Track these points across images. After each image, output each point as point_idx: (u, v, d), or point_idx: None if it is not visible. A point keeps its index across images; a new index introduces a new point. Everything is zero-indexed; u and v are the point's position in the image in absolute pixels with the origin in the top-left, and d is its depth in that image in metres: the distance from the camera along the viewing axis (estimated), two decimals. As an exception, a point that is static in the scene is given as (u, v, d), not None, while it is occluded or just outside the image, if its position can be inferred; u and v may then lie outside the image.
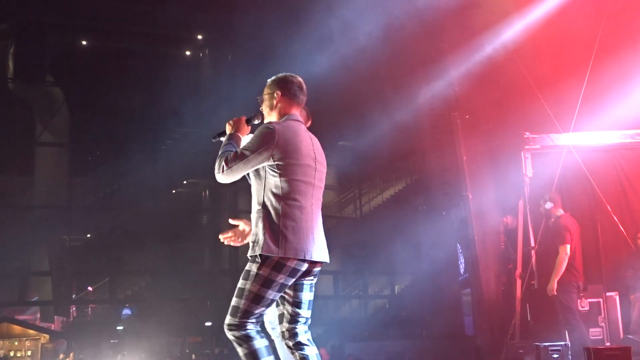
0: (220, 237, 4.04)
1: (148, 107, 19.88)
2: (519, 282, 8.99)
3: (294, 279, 3.60)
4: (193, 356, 16.18)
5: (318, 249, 3.65)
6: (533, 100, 8.78)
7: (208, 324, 20.54)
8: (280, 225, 3.54)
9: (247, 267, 3.57)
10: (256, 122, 3.87)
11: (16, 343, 19.46)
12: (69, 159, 20.20)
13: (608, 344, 7.88)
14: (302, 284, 3.67)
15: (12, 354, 18.65)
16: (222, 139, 3.86)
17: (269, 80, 3.89)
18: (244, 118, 3.87)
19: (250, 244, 3.62)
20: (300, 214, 3.60)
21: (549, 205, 7.87)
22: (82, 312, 21.65)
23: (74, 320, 20.24)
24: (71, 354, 17.11)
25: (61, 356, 17.20)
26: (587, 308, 8.15)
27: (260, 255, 3.51)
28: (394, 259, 19.81)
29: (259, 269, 3.51)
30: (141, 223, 20.05)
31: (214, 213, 22.35)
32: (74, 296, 20.83)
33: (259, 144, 3.57)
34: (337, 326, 20.09)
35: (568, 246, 7.55)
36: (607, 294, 8.31)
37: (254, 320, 3.55)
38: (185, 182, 22.71)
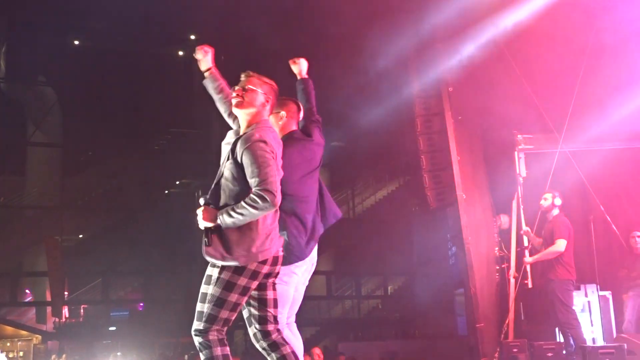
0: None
1: (140, 108, 19.84)
2: (512, 281, 9.03)
3: (256, 282, 3.56)
4: (185, 357, 16.14)
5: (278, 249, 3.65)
6: (527, 100, 8.82)
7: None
8: (253, 229, 3.50)
9: (207, 272, 3.54)
10: (198, 56, 3.89)
11: (8, 344, 19.42)
12: (61, 159, 20.14)
13: (602, 342, 7.92)
14: (266, 283, 3.64)
15: (4, 354, 18.60)
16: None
17: (259, 76, 3.77)
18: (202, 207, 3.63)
19: (216, 248, 3.52)
20: (269, 217, 3.58)
21: (558, 201, 7.82)
22: (74, 313, 21.58)
23: (66, 321, 20.17)
24: (63, 356, 17.05)
25: (53, 357, 17.13)
26: (580, 307, 8.19)
27: (223, 257, 3.48)
28: (387, 260, 19.86)
29: (220, 273, 3.49)
30: (134, 224, 20.02)
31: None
32: (66, 297, 20.75)
33: (267, 152, 3.49)
34: (330, 326, 20.13)
35: (565, 242, 7.54)
36: (601, 293, 8.36)
37: (219, 327, 3.53)
38: (178, 182, 22.67)
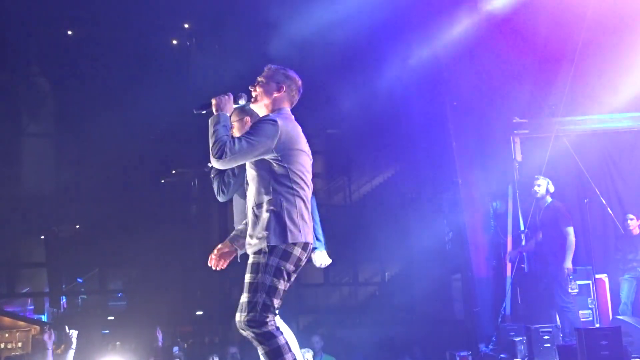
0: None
1: (135, 97, 19.75)
2: (509, 265, 9.08)
3: (295, 269, 3.61)
4: (185, 345, 16.17)
5: (312, 236, 3.71)
6: (522, 85, 8.82)
7: (199, 313, 20.54)
8: (288, 214, 3.56)
9: (252, 260, 3.55)
10: (241, 102, 3.81)
11: (6, 335, 19.39)
12: (56, 149, 20.05)
13: (598, 325, 7.98)
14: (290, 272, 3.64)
15: (2, 345, 18.58)
16: (204, 112, 3.78)
17: (275, 66, 3.81)
18: (231, 96, 3.77)
19: (254, 238, 3.58)
20: (302, 203, 3.63)
21: (551, 189, 7.90)
22: (72, 303, 21.57)
23: (64, 311, 20.16)
24: (62, 346, 17.06)
25: (53, 347, 17.15)
26: (576, 290, 8.24)
27: (269, 246, 3.51)
28: (384, 246, 19.85)
29: (268, 259, 3.50)
30: (130, 214, 19.97)
31: (203, 203, 22.29)
32: (64, 287, 20.74)
33: (263, 135, 3.55)
34: (328, 314, 20.17)
35: (573, 227, 7.67)
36: (597, 276, 8.41)
37: (273, 315, 3.53)
38: (174, 171, 22.62)
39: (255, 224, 3.60)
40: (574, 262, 7.83)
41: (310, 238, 3.66)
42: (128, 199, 20.26)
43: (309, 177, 3.74)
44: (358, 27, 11.63)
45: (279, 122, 3.61)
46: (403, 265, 20.82)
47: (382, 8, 9.98)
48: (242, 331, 3.68)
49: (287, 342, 3.55)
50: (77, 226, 21.44)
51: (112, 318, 20.57)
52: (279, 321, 3.87)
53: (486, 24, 9.07)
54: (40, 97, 19.72)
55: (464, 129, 9.60)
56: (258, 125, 3.61)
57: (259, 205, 3.61)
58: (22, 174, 20.01)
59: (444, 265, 15.30)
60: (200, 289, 21.11)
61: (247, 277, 3.54)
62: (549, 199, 7.95)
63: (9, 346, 19.16)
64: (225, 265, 4.06)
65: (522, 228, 8.89)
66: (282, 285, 3.54)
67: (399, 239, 17.99)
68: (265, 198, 3.59)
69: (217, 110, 3.69)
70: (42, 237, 19.08)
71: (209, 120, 3.64)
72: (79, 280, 21.27)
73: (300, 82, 3.85)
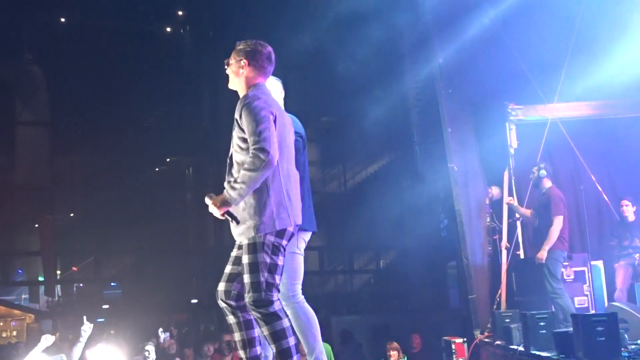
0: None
1: (129, 85, 19.66)
2: (504, 252, 9.07)
3: (288, 242, 3.60)
4: (175, 331, 16.14)
5: (300, 216, 3.68)
6: (517, 71, 8.78)
7: (194, 301, 20.56)
8: (282, 192, 3.52)
9: (248, 241, 3.49)
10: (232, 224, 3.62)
11: (1, 323, 19.43)
12: (50, 137, 19.98)
13: (593, 311, 7.98)
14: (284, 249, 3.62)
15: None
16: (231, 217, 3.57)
17: (238, 44, 3.75)
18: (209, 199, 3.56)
19: (246, 222, 3.52)
20: (288, 182, 3.60)
21: (543, 173, 7.89)
22: (67, 292, 21.57)
23: (59, 299, 20.16)
24: (57, 334, 17.04)
25: (45, 336, 17.13)
26: (572, 277, 8.25)
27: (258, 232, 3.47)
28: (379, 234, 19.87)
29: (264, 238, 3.47)
30: (125, 202, 19.93)
31: (198, 190, 22.26)
32: (58, 275, 20.72)
33: (263, 109, 3.46)
34: (323, 301, 20.19)
35: (562, 218, 7.63)
36: (592, 262, 8.41)
37: (278, 292, 3.50)
38: (168, 159, 22.57)
39: (243, 207, 3.53)
40: (568, 250, 7.81)
41: (299, 219, 3.63)
42: (123, 187, 20.22)
43: (292, 153, 3.68)
44: (352, 14, 11.59)
45: (263, 98, 3.54)
46: (398, 253, 20.89)
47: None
48: (220, 302, 3.66)
49: (291, 326, 3.56)
50: (72, 214, 21.44)
51: (107, 306, 20.59)
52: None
53: (481, 8, 9.01)
54: (33, 85, 19.62)
55: (458, 116, 9.56)
56: (250, 110, 3.48)
57: None
58: (16, 163, 19.95)
59: (440, 253, 15.32)
60: (196, 276, 21.16)
61: (245, 258, 3.49)
62: (547, 184, 7.92)
63: (4, 334, 19.21)
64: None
65: (517, 215, 8.87)
66: (281, 262, 3.52)
67: (394, 226, 18.01)
68: None
69: (225, 206, 3.49)
70: (36, 225, 19.04)
71: (234, 202, 3.46)
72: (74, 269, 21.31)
73: (267, 50, 3.73)
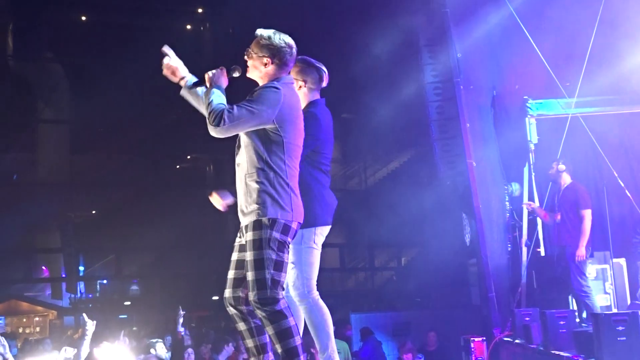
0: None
1: (149, 82, 19.72)
2: (524, 250, 8.92)
3: (291, 240, 3.53)
4: (193, 326, 16.19)
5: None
6: (538, 65, 8.62)
7: (215, 298, 20.59)
8: (287, 188, 3.44)
9: (252, 237, 3.40)
10: (235, 74, 3.70)
11: (24, 320, 19.64)
12: (71, 135, 20.13)
13: (615, 310, 7.82)
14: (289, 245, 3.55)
15: (20, 330, 18.79)
16: (199, 89, 3.65)
17: (260, 34, 3.64)
18: (224, 70, 3.63)
19: (249, 207, 3.45)
20: (295, 178, 3.53)
21: (562, 168, 7.74)
22: (90, 288, 21.73)
23: (81, 296, 20.33)
24: (79, 330, 17.18)
25: (69, 332, 17.28)
26: (593, 275, 8.08)
27: (269, 219, 3.38)
28: (401, 231, 19.75)
29: (270, 233, 3.38)
30: (145, 199, 20.03)
31: (219, 188, 22.28)
32: (81, 272, 20.89)
33: (265, 103, 3.41)
34: (344, 298, 20.12)
35: (590, 210, 7.49)
36: (614, 260, 8.24)
37: (282, 290, 3.41)
38: (188, 157, 22.63)
39: (246, 194, 3.48)
40: (592, 246, 7.65)
41: (301, 218, 3.55)
42: (143, 185, 20.33)
43: (300, 153, 3.61)
44: (371, 8, 11.50)
45: (282, 90, 3.48)
46: (419, 250, 20.75)
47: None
48: (230, 309, 3.60)
49: (297, 325, 3.47)
50: (93, 212, 21.61)
51: (128, 303, 20.72)
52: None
53: (499, 2, 8.86)
54: (54, 83, 19.77)
55: (478, 110, 9.41)
56: (260, 93, 3.46)
57: (250, 175, 3.47)
58: (38, 160, 20.13)
59: (461, 250, 15.15)
60: (216, 273, 21.16)
61: (250, 255, 3.39)
62: (567, 179, 7.76)
63: (27, 330, 19.41)
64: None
65: (526, 211, 8.72)
66: (287, 259, 3.44)
67: (415, 223, 17.87)
68: (258, 167, 3.45)
69: (210, 84, 3.55)
70: (58, 223, 19.20)
71: (203, 94, 3.52)
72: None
73: (291, 47, 3.65)
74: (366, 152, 22.36)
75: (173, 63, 3.76)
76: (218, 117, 3.34)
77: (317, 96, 4.21)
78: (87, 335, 6.04)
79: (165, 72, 3.78)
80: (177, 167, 22.48)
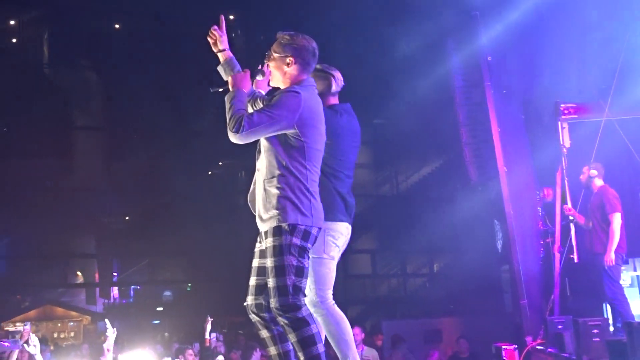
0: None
1: (182, 89, 19.92)
2: (557, 256, 8.75)
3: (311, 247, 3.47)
4: (225, 331, 16.22)
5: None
6: (569, 68, 8.46)
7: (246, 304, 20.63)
8: (307, 193, 3.39)
9: (272, 243, 3.35)
10: (259, 77, 3.67)
11: (59, 325, 19.93)
12: (106, 142, 20.39)
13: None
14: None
15: (55, 335, 19.08)
16: (221, 90, 3.63)
17: (282, 36, 3.61)
18: (248, 72, 3.61)
19: (268, 213, 3.40)
20: (314, 182, 3.48)
21: (594, 173, 7.59)
22: (123, 294, 21.97)
23: (115, 301, 20.55)
24: (102, 337, 17.37)
25: (102, 338, 17.47)
26: (628, 282, 7.89)
27: (289, 224, 3.33)
28: (433, 237, 19.58)
29: (290, 239, 3.33)
30: (178, 205, 20.17)
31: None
32: (115, 278, 21.13)
33: (285, 108, 3.36)
34: (376, 305, 20.02)
35: (620, 214, 7.30)
36: (649, 267, 8.03)
37: (304, 296, 3.37)
38: (220, 163, 22.75)
39: (265, 200, 3.44)
40: (625, 252, 7.47)
41: (321, 223, 3.49)
42: (176, 191, 20.47)
43: (321, 157, 3.55)
44: (401, 17, 11.44)
45: (303, 94, 3.43)
46: (452, 256, 20.54)
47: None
48: (253, 316, 3.57)
49: (319, 332, 3.40)
50: (127, 218, 21.84)
51: (160, 309, 20.87)
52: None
53: (531, 3, 8.71)
54: (89, 90, 20.07)
55: (509, 115, 9.27)
56: (279, 97, 3.42)
57: (269, 180, 3.43)
58: (74, 167, 20.43)
59: (493, 256, 14.96)
60: (248, 280, 21.21)
61: (271, 261, 3.34)
62: (598, 182, 7.59)
63: (62, 335, 19.71)
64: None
65: (570, 217, 8.52)
66: (307, 264, 3.38)
67: (448, 229, 17.70)
68: (277, 173, 3.42)
69: (233, 87, 3.51)
70: (93, 228, 19.45)
71: (225, 97, 3.49)
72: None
73: (313, 46, 3.61)
74: (398, 158, 22.23)
75: (219, 33, 3.73)
76: (237, 123, 3.32)
77: (333, 101, 4.14)
78: (108, 342, 6.08)
79: (210, 37, 3.76)
80: (209, 173, 22.60)
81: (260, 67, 3.67)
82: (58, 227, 18.88)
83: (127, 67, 19.47)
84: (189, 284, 22.28)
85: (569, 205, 8.35)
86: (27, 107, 18.29)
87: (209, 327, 9.83)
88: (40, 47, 19.37)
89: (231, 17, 21.24)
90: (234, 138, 3.38)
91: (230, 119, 3.36)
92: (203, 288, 20.47)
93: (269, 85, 3.85)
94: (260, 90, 3.81)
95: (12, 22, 19.03)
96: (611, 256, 7.22)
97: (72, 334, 19.94)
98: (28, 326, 6.28)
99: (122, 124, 20.39)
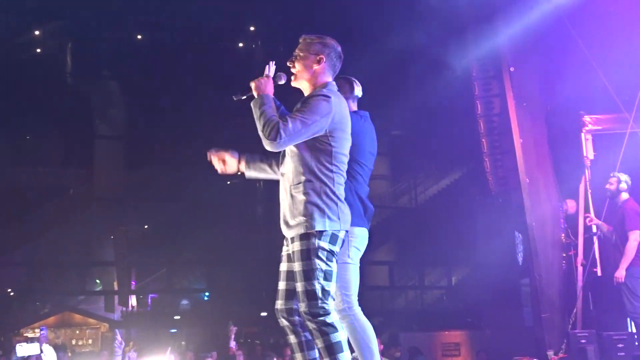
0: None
1: (202, 100, 20.02)
2: (580, 269, 8.63)
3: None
4: (243, 341, 16.19)
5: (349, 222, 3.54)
6: (593, 79, 8.37)
7: (263, 314, 20.60)
8: (333, 196, 3.36)
9: (300, 247, 3.33)
10: (281, 82, 3.64)
11: (77, 332, 20.01)
12: (126, 151, 20.52)
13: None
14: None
15: (73, 342, 19.15)
16: (244, 97, 3.59)
17: (310, 37, 3.58)
18: (271, 77, 3.56)
19: (295, 219, 3.37)
20: (342, 186, 3.47)
21: (624, 187, 7.49)
22: (141, 302, 22.02)
23: (132, 309, 20.60)
24: (130, 343, 17.39)
25: (126, 348, 17.50)
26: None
27: (316, 230, 3.30)
28: (451, 249, 19.47)
29: (318, 243, 3.30)
30: (197, 214, 20.23)
31: (269, 204, 22.37)
32: (133, 286, 21.19)
33: (318, 114, 3.33)
34: (393, 317, 19.88)
35: (639, 232, 7.19)
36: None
37: (332, 300, 3.33)
38: (239, 173, 22.78)
39: (292, 205, 3.40)
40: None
41: (348, 226, 3.47)
42: (195, 200, 20.54)
43: (347, 162, 3.54)
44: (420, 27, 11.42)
45: (333, 99, 3.40)
46: (471, 269, 20.39)
47: (446, 6, 9.71)
48: (282, 320, 3.53)
49: (347, 340, 3.38)
50: (146, 226, 21.93)
51: (178, 317, 20.89)
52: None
53: (553, 12, 8.64)
54: (110, 100, 20.23)
55: (530, 126, 9.19)
56: (311, 103, 3.37)
57: (296, 186, 3.40)
58: (94, 175, 20.58)
59: (513, 269, 14.83)
60: (266, 290, 21.18)
61: (298, 265, 3.31)
62: (624, 196, 7.49)
63: (80, 343, 19.79)
64: (225, 169, 3.93)
65: (594, 230, 8.40)
66: (335, 268, 3.35)
67: (467, 242, 17.60)
68: (304, 178, 3.38)
69: (258, 93, 3.48)
70: (112, 237, 19.54)
71: (252, 104, 3.45)
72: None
73: (339, 48, 3.59)
74: (416, 169, 22.17)
75: (265, 79, 3.57)
76: (274, 132, 3.27)
77: (353, 107, 4.13)
78: (117, 352, 6.08)
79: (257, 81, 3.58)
80: (228, 182, 22.64)
81: (279, 73, 3.63)
82: (78, 235, 19.00)
83: (147, 77, 19.63)
84: (207, 293, 22.32)
85: (592, 214, 8.24)
86: (50, 116, 18.48)
87: (233, 335, 9.81)
88: (64, 57, 19.56)
89: (252, 28, 21.36)
90: (270, 146, 3.33)
91: (264, 127, 3.31)
92: (220, 297, 20.47)
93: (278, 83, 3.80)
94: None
95: (36, 33, 19.26)
96: (621, 272, 7.13)
97: (90, 341, 20.02)
98: (45, 331, 6.30)
99: (142, 133, 20.52)
